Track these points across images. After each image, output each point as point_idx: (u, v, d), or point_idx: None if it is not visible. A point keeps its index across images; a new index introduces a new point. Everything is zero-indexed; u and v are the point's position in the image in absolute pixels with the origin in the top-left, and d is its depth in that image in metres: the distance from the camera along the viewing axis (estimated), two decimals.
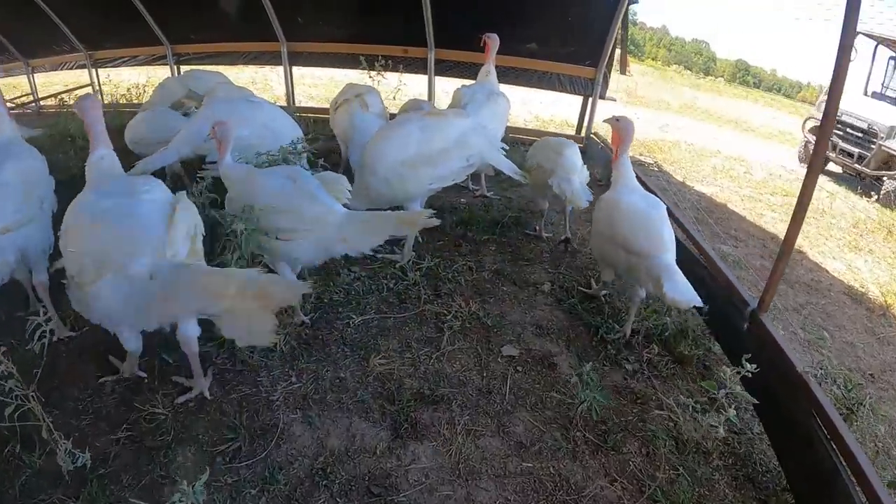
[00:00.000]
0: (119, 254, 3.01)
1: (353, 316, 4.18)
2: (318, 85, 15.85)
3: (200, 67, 8.95)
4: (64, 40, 11.93)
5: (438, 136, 4.66)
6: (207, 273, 3.10)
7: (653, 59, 48.92)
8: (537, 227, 5.60)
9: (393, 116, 6.84)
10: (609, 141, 5.28)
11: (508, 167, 4.97)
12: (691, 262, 4.60)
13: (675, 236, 4.09)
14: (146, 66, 11.55)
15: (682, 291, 3.65)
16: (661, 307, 4.36)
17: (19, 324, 3.96)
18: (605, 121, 4.47)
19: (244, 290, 2.89)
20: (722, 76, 48.67)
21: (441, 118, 4.84)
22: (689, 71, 46.92)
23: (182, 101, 7.53)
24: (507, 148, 5.11)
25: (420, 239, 5.06)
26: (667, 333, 4.17)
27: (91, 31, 11.67)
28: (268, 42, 9.47)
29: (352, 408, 3.45)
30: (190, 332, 3.28)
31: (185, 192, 3.36)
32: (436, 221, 3.71)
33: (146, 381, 3.62)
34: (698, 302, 3.64)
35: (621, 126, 4.23)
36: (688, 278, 3.77)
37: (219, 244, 3.73)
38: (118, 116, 10.51)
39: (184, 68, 10.38)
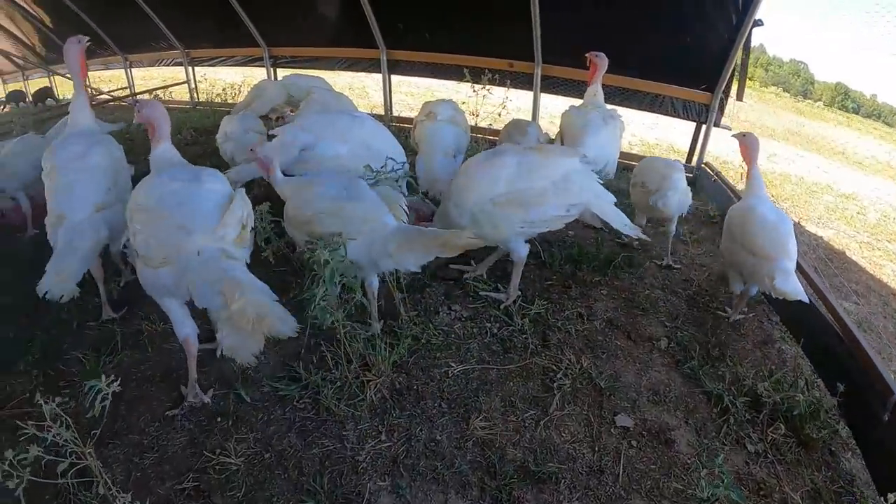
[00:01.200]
0: (178, 236, 3.14)
1: (453, 364, 3.76)
2: (416, 94, 15.64)
3: (297, 71, 8.78)
4: (162, 38, 12.14)
5: (537, 175, 4.07)
6: (232, 277, 3.09)
7: (749, 80, 47.35)
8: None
9: (495, 133, 6.46)
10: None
11: (619, 221, 4.26)
12: (824, 331, 4.07)
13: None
14: (242, 66, 11.58)
15: (789, 283, 3.83)
16: (788, 377, 3.81)
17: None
18: (733, 135, 4.59)
19: (244, 306, 2.91)
20: (820, 100, 46.77)
21: (544, 155, 4.21)
22: (787, 93, 45.25)
23: (279, 105, 7.34)
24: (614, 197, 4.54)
25: (527, 275, 4.65)
26: (795, 412, 3.60)
27: (189, 30, 11.84)
28: (367, 49, 9.25)
29: (448, 479, 3.00)
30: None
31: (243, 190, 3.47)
32: (479, 242, 3.52)
33: (219, 420, 3.33)
34: (804, 297, 3.79)
35: (748, 142, 4.41)
36: (818, 347, 3.93)
37: (306, 277, 3.36)
38: (212, 115, 10.55)
39: (280, 71, 10.42)
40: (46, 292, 3.55)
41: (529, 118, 8.03)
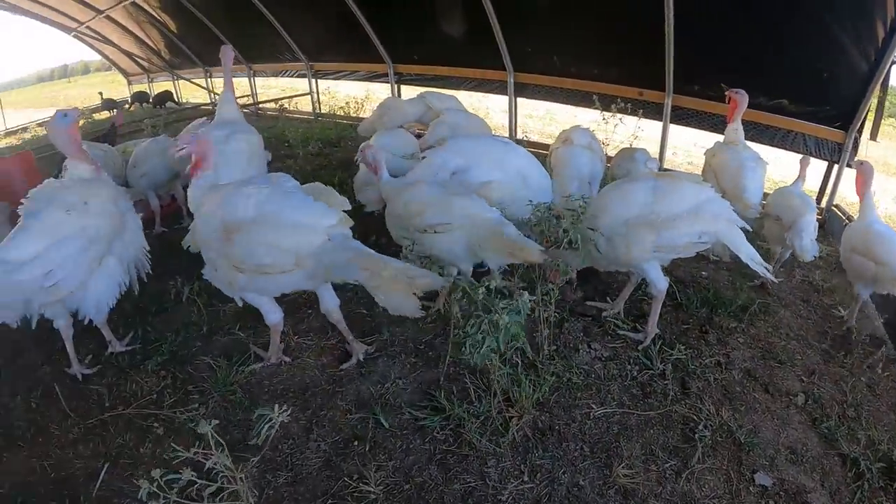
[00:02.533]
0: (303, 239, 3.57)
1: (594, 406, 3.69)
2: (534, 117, 15.54)
3: (423, 89, 8.83)
4: (286, 49, 12.46)
5: (668, 201, 4.12)
6: (371, 255, 3.57)
7: (871, 112, 44.96)
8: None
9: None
10: (853, 216, 5.05)
11: (747, 254, 4.20)
12: None
13: None
14: (366, 81, 11.69)
15: None
16: None
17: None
18: (850, 164, 5.18)
19: (395, 276, 3.39)
20: None
21: (676, 182, 4.29)
22: None
23: (410, 122, 7.44)
24: (750, 230, 4.46)
25: (663, 316, 4.54)
26: None
27: (314, 43, 12.11)
28: (494, 70, 9.18)
29: None
30: (330, 304, 3.97)
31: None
32: (541, 257, 3.89)
33: (356, 444, 3.37)
34: None
35: (865, 170, 4.73)
36: None
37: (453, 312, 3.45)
38: (335, 127, 10.75)
39: (404, 88, 10.53)
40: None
41: (658, 148, 7.92)
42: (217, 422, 2.50)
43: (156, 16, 15.91)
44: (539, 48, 8.71)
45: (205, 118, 7.58)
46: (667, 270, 4.55)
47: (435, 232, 4.10)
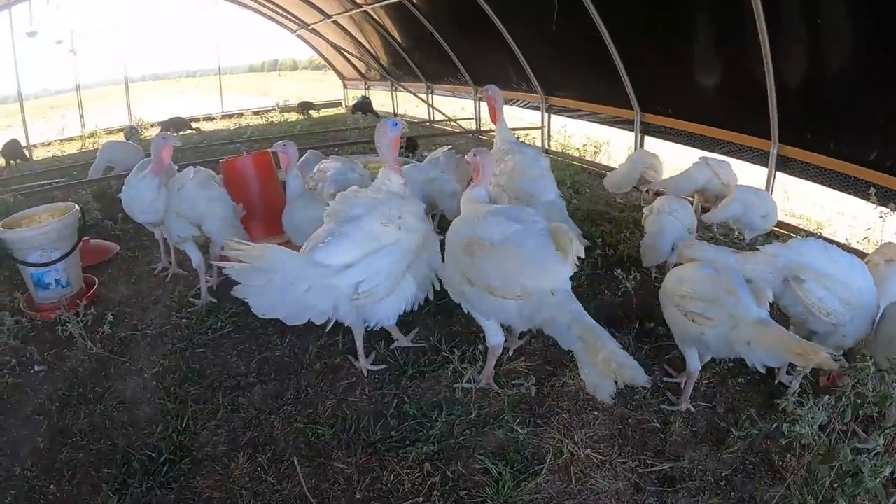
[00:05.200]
0: (531, 277, 3.73)
1: None
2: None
3: (680, 146, 8.91)
4: (523, 79, 12.26)
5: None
6: (591, 327, 3.59)
7: None
8: None
9: None
10: None
11: None
12: None
13: None
14: (606, 125, 11.08)
15: None
16: None
17: None
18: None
19: (609, 357, 3.33)
20: None
21: None
22: None
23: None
24: None
25: None
26: None
27: (553, 76, 11.82)
28: (755, 137, 8.34)
29: None
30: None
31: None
32: (834, 365, 3.46)
33: None
34: None
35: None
36: None
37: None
38: (567, 168, 10.72)
39: (647, 139, 10.07)
40: None
41: None
42: None
43: (383, 25, 16.29)
44: (814, 121, 7.71)
45: (449, 146, 7.45)
46: None
47: (693, 321, 3.94)
